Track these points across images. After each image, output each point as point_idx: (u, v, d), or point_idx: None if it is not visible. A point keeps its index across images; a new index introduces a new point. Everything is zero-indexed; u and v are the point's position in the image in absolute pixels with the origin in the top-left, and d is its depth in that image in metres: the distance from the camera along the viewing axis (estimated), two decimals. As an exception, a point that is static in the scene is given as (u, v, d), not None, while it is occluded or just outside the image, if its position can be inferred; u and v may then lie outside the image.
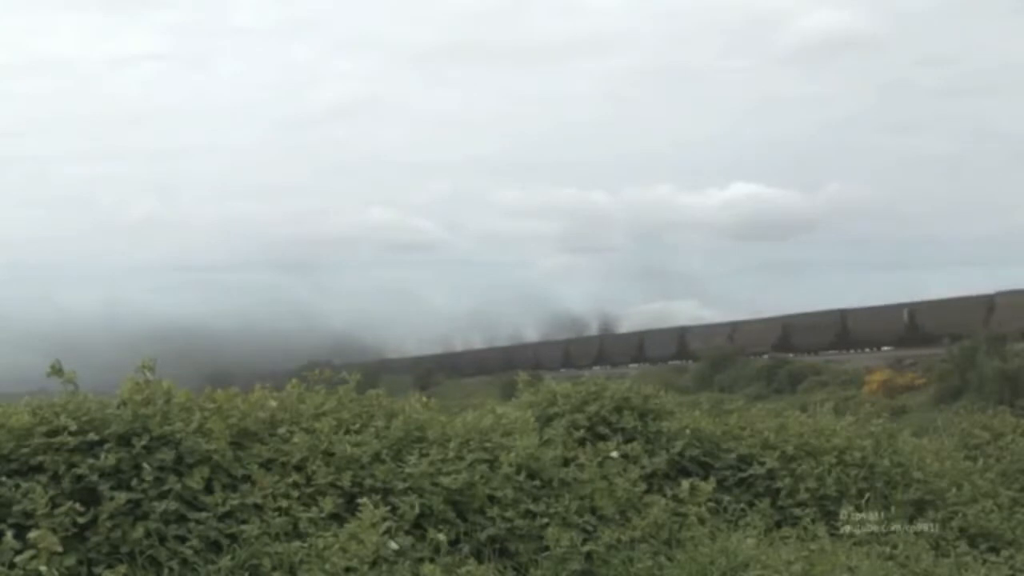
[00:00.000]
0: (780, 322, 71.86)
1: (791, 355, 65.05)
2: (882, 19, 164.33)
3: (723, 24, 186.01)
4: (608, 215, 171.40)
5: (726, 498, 7.63)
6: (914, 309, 62.60)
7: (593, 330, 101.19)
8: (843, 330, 67.23)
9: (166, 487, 5.85)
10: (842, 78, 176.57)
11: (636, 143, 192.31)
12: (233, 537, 5.85)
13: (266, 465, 6.38)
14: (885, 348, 63.44)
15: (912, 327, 61.10)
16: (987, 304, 56.36)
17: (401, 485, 6.50)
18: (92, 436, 5.89)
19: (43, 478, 5.72)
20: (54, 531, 5.37)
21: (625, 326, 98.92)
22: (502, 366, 70.61)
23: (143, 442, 5.92)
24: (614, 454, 7.57)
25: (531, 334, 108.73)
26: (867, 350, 65.19)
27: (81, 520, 5.57)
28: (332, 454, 6.57)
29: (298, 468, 6.44)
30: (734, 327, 75.69)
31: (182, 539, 5.76)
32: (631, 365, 76.18)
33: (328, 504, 6.16)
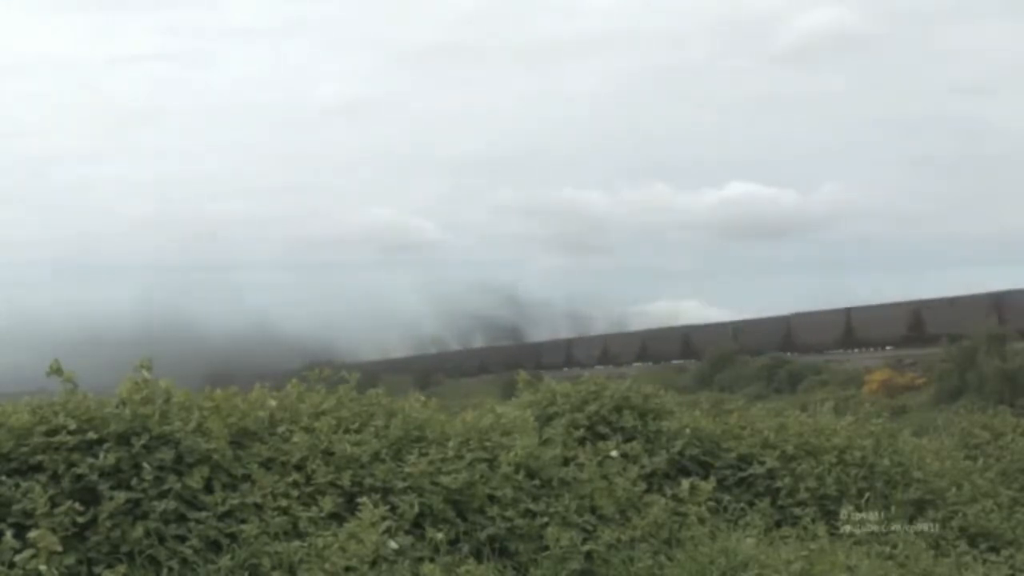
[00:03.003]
0: (784, 321, 71.74)
1: (795, 354, 64.94)
2: (881, 19, 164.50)
3: (721, 23, 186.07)
4: (606, 215, 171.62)
5: (726, 498, 7.62)
6: (920, 308, 62.41)
7: (587, 330, 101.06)
8: (848, 329, 67.08)
9: (166, 486, 5.84)
10: (840, 77, 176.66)
11: (634, 142, 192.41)
12: (233, 536, 5.84)
13: (266, 464, 6.37)
14: (890, 348, 63.17)
15: (917, 326, 60.92)
16: (994, 303, 56.21)
17: (401, 484, 6.49)
18: (91, 435, 5.88)
19: (43, 477, 5.72)
20: (54, 530, 5.37)
21: (625, 326, 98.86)
22: (504, 366, 70.57)
23: (142, 441, 5.91)
24: (614, 453, 7.56)
25: (528, 334, 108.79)
26: (872, 349, 64.97)
27: (81, 519, 5.57)
28: (332, 453, 6.57)
29: (298, 467, 6.44)
30: (738, 326, 75.62)
31: (182, 539, 5.76)
32: (635, 364, 76.18)
33: (328, 503, 6.15)
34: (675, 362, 76.01)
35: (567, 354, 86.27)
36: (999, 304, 55.85)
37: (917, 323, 61.30)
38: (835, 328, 67.55)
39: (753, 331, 72.15)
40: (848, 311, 67.88)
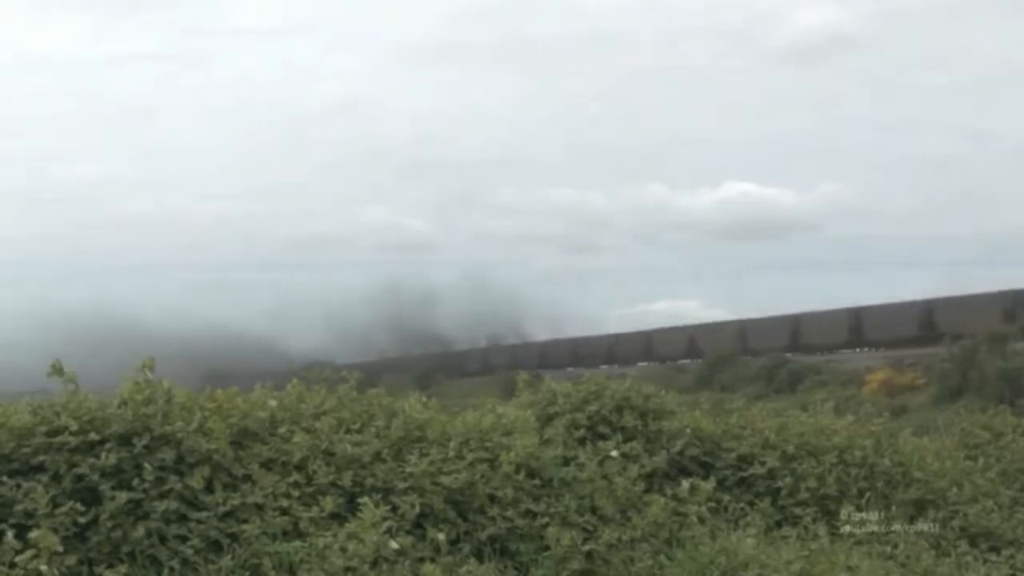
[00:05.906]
0: (791, 320, 71.29)
1: (803, 354, 64.52)
2: (879, 18, 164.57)
3: (719, 23, 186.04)
4: (604, 215, 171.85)
5: (726, 498, 7.63)
6: (932, 307, 61.80)
7: (591, 330, 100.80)
8: (858, 328, 66.51)
9: (167, 487, 5.85)
10: (838, 77, 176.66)
11: (632, 142, 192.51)
12: (234, 537, 5.85)
13: (267, 465, 6.38)
14: (900, 348, 62.37)
15: (929, 325, 60.32)
16: (1008, 302, 55.84)
17: (402, 484, 6.50)
18: (93, 436, 5.88)
19: (44, 478, 5.73)
20: (55, 531, 5.38)
21: (630, 326, 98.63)
22: (508, 365, 70.36)
23: (144, 442, 5.92)
24: (614, 453, 7.56)
25: (529, 334, 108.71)
26: (883, 349, 64.12)
27: (82, 520, 5.58)
28: (332, 454, 6.57)
29: (299, 468, 6.44)
30: (743, 326, 75.27)
31: (183, 539, 5.76)
32: (640, 364, 75.91)
33: (329, 504, 6.16)
34: (681, 362, 75.72)
35: (572, 353, 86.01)
36: (1014, 303, 55.52)
37: (929, 322, 60.78)
38: (844, 327, 67.00)
39: (760, 331, 71.72)
40: (858, 310, 67.24)
